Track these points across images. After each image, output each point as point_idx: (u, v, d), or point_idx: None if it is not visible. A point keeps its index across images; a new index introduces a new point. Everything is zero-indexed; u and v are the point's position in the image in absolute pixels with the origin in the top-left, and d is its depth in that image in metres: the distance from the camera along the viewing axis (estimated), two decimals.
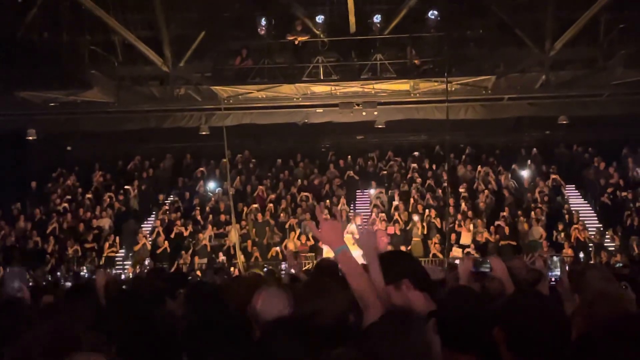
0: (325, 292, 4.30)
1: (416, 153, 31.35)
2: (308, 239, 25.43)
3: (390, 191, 28.93)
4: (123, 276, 23.30)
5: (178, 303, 6.26)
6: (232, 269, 24.49)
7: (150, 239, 26.44)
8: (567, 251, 24.65)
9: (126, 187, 29.77)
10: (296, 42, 24.09)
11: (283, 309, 4.41)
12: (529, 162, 29.99)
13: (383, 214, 26.68)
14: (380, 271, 4.23)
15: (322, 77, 24.33)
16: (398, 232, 25.62)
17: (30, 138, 27.67)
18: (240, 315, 4.60)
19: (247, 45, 25.01)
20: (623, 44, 23.22)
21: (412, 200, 27.62)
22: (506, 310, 3.36)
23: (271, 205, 28.07)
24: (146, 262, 24.96)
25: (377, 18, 24.10)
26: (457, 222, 26.07)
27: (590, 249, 25.14)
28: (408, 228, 26.12)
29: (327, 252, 23.40)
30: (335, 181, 29.81)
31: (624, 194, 27.37)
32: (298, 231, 26.12)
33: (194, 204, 28.77)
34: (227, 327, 4.33)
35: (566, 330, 3.24)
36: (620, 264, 20.65)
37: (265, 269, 22.01)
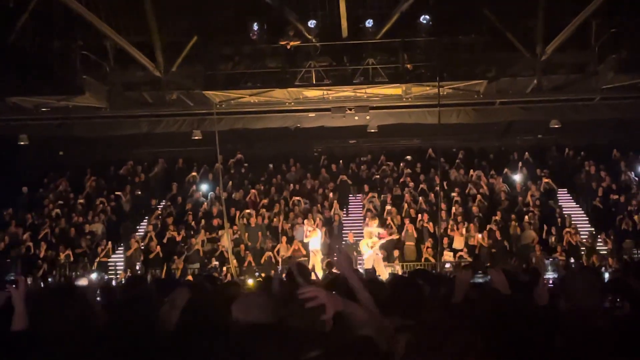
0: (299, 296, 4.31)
1: (408, 157, 31.39)
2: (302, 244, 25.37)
3: (382, 195, 28.94)
4: (114, 282, 23.32)
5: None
6: (224, 269, 24.53)
7: (142, 244, 26.37)
8: (560, 255, 24.72)
9: (117, 192, 29.70)
10: (288, 47, 24.09)
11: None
12: (520, 165, 30.04)
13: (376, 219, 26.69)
14: (364, 288, 4.26)
15: (314, 82, 24.35)
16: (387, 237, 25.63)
17: (22, 143, 27.65)
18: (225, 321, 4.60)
19: (239, 50, 25.02)
20: (614, 48, 23.27)
21: (405, 205, 27.66)
22: (488, 319, 3.38)
23: (264, 209, 28.08)
24: (137, 267, 24.94)
25: (369, 23, 24.11)
26: (449, 226, 26.12)
27: (583, 252, 25.21)
28: (403, 232, 26.16)
29: (312, 257, 23.43)
30: (329, 185, 29.83)
31: (615, 197, 27.46)
32: (290, 236, 26.14)
33: (187, 209, 28.73)
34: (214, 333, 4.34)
35: (545, 340, 3.26)
36: (611, 269, 20.76)
37: (256, 274, 22.09)
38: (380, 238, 23.59)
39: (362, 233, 26.87)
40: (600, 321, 3.95)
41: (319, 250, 23.74)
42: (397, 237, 25.43)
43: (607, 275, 19.09)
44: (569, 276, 5.92)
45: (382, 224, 26.15)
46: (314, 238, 23.96)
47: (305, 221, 25.21)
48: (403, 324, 4.15)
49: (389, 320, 4.23)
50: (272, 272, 24.27)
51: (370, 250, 23.19)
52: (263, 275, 21.71)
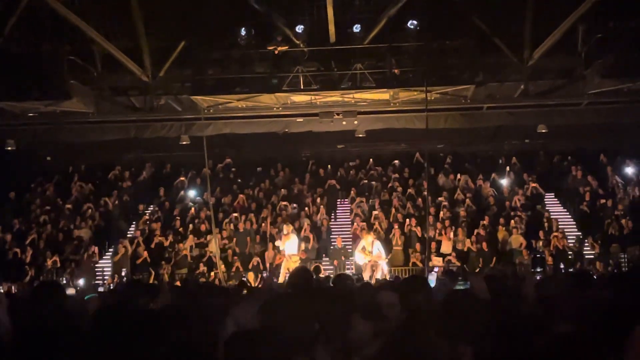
0: (291, 302, 4.32)
1: (396, 162, 31.42)
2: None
3: (371, 200, 28.96)
4: (102, 288, 23.25)
5: None
6: (212, 274, 24.50)
7: (130, 249, 26.27)
8: (547, 259, 24.82)
9: (104, 198, 29.57)
10: (276, 52, 24.08)
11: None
12: (508, 170, 30.12)
13: (364, 223, 26.71)
14: None
15: (302, 87, 24.33)
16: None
17: (10, 148, 27.51)
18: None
19: (227, 55, 24.99)
20: (600, 53, 23.34)
21: (393, 210, 27.68)
22: (470, 327, 3.39)
23: (252, 214, 28.05)
24: (123, 273, 24.85)
25: (356, 28, 24.13)
26: (437, 231, 26.16)
27: (570, 256, 25.30)
28: (390, 236, 26.17)
29: (286, 262, 23.38)
30: (317, 190, 29.85)
31: (602, 201, 27.57)
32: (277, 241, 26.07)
33: (175, 214, 28.67)
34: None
35: (525, 345, 3.28)
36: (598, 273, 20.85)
37: (244, 279, 22.06)
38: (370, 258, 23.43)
39: (350, 237, 26.92)
40: (572, 325, 3.97)
41: (291, 255, 23.74)
42: (385, 260, 25.03)
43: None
44: (544, 281, 5.94)
45: (370, 228, 26.14)
46: (288, 242, 23.97)
47: (284, 226, 25.16)
48: (381, 328, 4.17)
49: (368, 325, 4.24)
50: (260, 276, 24.37)
51: (365, 260, 23.21)
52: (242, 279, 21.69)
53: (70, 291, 19.78)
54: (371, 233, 24.36)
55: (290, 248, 23.92)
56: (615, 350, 3.28)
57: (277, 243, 24.58)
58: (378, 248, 23.54)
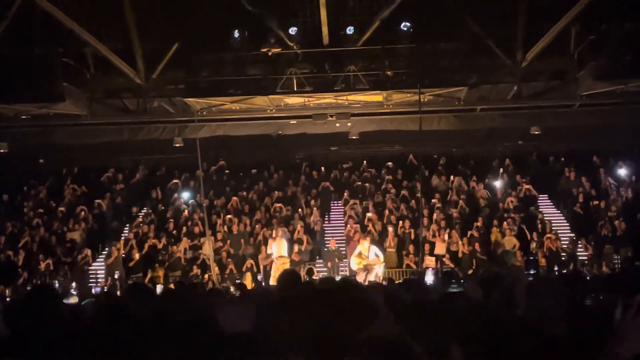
0: (281, 305, 4.32)
1: (390, 164, 31.41)
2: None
3: (364, 202, 28.95)
4: (95, 290, 23.21)
5: None
6: (205, 277, 24.46)
7: (123, 251, 26.21)
8: (541, 261, 24.85)
9: (97, 200, 29.49)
10: (269, 54, 24.09)
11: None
12: (501, 172, 30.14)
13: (357, 225, 26.70)
14: None
15: (295, 89, 24.35)
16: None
17: (2, 151, 27.42)
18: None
19: (220, 57, 24.99)
20: (593, 55, 23.41)
21: (386, 211, 27.68)
22: (460, 327, 3.40)
23: (245, 216, 28.01)
24: (116, 275, 24.79)
25: (350, 30, 24.18)
26: (431, 233, 26.16)
27: (564, 258, 25.34)
28: (385, 243, 26.14)
29: (280, 265, 23.37)
30: (311, 192, 29.83)
31: (595, 203, 27.61)
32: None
33: (168, 216, 28.61)
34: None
35: (516, 348, 3.28)
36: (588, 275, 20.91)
37: (237, 282, 22.05)
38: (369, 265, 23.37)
39: (344, 239, 26.91)
40: (556, 329, 3.97)
41: (279, 257, 23.79)
42: (382, 263, 24.86)
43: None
44: (536, 283, 5.94)
45: (363, 230, 26.14)
46: (275, 245, 24.03)
47: (273, 231, 25.25)
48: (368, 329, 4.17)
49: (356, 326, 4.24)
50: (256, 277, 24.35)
51: (359, 266, 23.23)
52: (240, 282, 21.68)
53: (73, 300, 19.70)
54: (367, 238, 24.29)
55: (278, 250, 23.94)
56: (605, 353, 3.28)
57: (268, 249, 24.67)
58: (375, 253, 23.52)
